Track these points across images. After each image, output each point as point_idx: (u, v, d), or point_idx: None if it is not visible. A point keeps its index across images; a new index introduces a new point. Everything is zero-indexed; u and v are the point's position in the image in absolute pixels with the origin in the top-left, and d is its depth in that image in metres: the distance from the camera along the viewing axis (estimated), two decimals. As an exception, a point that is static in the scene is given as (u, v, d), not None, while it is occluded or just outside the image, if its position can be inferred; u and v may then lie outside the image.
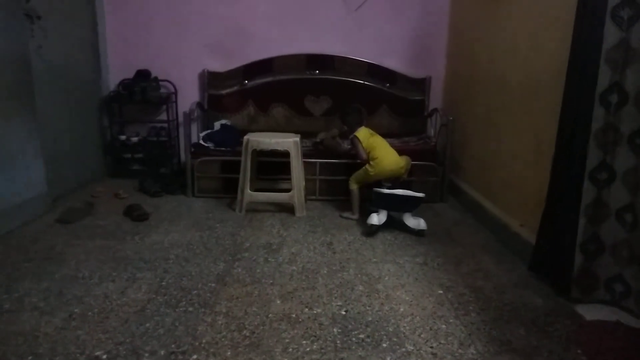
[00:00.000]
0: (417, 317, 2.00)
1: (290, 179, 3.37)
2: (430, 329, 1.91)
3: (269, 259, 2.58)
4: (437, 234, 3.02)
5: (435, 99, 4.41)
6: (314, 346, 1.78)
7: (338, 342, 1.81)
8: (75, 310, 2.00)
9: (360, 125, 3.31)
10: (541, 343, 1.83)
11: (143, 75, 4.21)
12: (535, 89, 2.64)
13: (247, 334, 1.85)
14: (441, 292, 2.24)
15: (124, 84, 4.24)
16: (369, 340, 1.83)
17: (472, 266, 2.54)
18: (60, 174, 3.55)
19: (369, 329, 1.90)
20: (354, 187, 3.28)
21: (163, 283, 2.27)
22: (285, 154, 3.34)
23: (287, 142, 3.31)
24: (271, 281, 2.32)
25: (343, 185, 3.54)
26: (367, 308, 2.08)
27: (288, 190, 3.39)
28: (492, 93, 3.26)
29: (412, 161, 3.42)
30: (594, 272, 2.10)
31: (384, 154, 3.16)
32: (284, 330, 1.88)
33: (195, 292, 2.19)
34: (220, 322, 1.93)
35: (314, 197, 3.74)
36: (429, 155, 3.74)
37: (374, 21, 4.30)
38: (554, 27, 2.44)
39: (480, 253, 2.72)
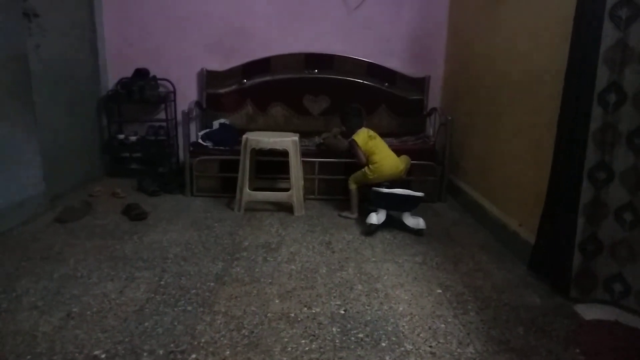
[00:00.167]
0: (416, 317, 2.00)
1: (289, 178, 3.37)
2: (429, 329, 1.92)
3: (268, 258, 2.58)
4: (436, 234, 3.02)
5: (434, 99, 4.42)
6: (313, 345, 1.78)
7: (337, 341, 1.81)
8: (74, 309, 2.00)
9: (360, 126, 3.29)
10: (540, 342, 1.83)
11: (141, 74, 4.20)
12: (534, 89, 2.64)
13: (246, 333, 1.85)
14: (440, 291, 2.25)
15: (123, 82, 4.23)
16: (367, 339, 1.83)
17: (471, 266, 2.55)
18: (58, 173, 3.54)
19: (367, 328, 1.90)
20: (352, 186, 3.28)
21: (162, 282, 2.26)
22: (284, 153, 3.34)
23: (286, 141, 3.31)
24: (270, 280, 2.32)
25: (342, 185, 3.54)
26: (366, 307, 2.08)
27: (287, 190, 3.39)
28: (491, 93, 3.26)
29: (412, 160, 3.42)
30: (592, 272, 2.10)
31: (383, 158, 3.16)
32: (283, 329, 1.88)
33: (194, 291, 2.19)
34: (219, 322, 1.93)
35: (312, 197, 3.74)
36: (428, 154, 3.74)
37: (373, 20, 4.30)
38: (552, 26, 2.44)
39: (479, 252, 2.73)
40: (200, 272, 2.39)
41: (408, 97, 4.35)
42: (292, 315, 2.00)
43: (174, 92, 4.35)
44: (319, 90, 4.33)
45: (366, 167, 3.17)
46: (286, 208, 3.44)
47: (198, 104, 4.26)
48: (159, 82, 4.27)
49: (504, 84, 3.04)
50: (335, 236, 2.96)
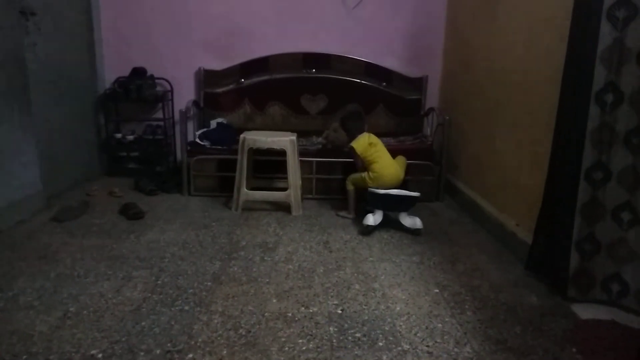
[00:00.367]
0: (413, 316, 2.01)
1: (286, 178, 3.37)
2: (427, 328, 1.92)
3: (265, 258, 2.58)
4: (433, 233, 3.03)
5: (432, 98, 4.42)
6: (310, 345, 1.78)
7: (334, 341, 1.81)
8: (71, 309, 1.99)
9: (360, 131, 3.22)
10: (537, 342, 1.83)
11: (139, 73, 4.19)
12: (531, 88, 2.64)
13: (243, 333, 1.84)
14: (437, 291, 2.25)
15: (120, 81, 4.22)
16: (365, 339, 1.83)
17: (468, 265, 2.55)
18: (55, 172, 3.53)
19: (365, 328, 1.90)
20: (350, 187, 3.27)
21: (159, 282, 2.26)
22: (282, 153, 3.33)
23: (284, 140, 3.31)
24: (267, 280, 2.31)
25: (339, 184, 3.55)
26: (364, 307, 2.08)
27: (284, 189, 3.39)
28: (488, 92, 3.26)
29: (409, 160, 3.42)
30: (590, 272, 2.10)
31: (383, 167, 3.07)
32: (280, 329, 1.88)
33: (191, 290, 2.18)
34: (216, 321, 1.92)
35: (310, 196, 3.74)
36: (426, 154, 3.74)
37: (371, 20, 4.30)
38: (550, 26, 2.45)
39: (476, 252, 2.73)
40: (197, 271, 2.39)
41: (406, 97, 4.35)
42: (290, 314, 1.99)
43: (172, 91, 4.34)
44: (317, 89, 4.32)
45: (366, 175, 3.11)
46: (284, 207, 3.44)
47: (195, 103, 4.25)
48: (157, 81, 4.26)
49: (501, 83, 3.05)
50: (332, 236, 2.96)
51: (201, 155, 3.72)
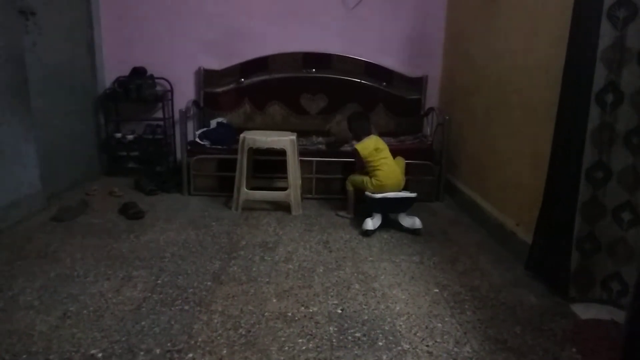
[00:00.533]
0: (413, 316, 2.01)
1: (286, 178, 3.37)
2: (426, 328, 1.92)
3: (265, 258, 2.58)
4: (433, 233, 3.03)
5: (432, 98, 4.41)
6: (310, 345, 1.78)
7: (334, 340, 1.81)
8: (71, 308, 1.99)
9: (366, 132, 3.16)
10: (536, 342, 1.83)
11: (139, 72, 4.19)
12: (531, 88, 2.64)
13: (243, 333, 1.84)
14: (437, 290, 2.25)
15: (120, 81, 4.21)
16: (365, 338, 1.83)
17: (468, 265, 2.55)
18: (55, 171, 3.53)
19: (365, 328, 1.90)
20: (350, 188, 3.27)
21: (159, 281, 2.26)
22: (282, 153, 3.33)
23: (283, 140, 3.31)
24: (267, 280, 2.31)
25: (339, 184, 3.54)
26: (363, 307, 2.08)
27: (284, 189, 3.39)
28: (488, 92, 3.26)
29: (409, 160, 3.41)
30: (590, 271, 2.10)
31: (386, 177, 3.01)
32: (280, 328, 1.88)
33: (191, 290, 2.18)
34: (216, 321, 1.92)
35: (310, 196, 3.73)
36: (426, 154, 3.74)
37: (371, 20, 4.30)
38: (550, 26, 2.45)
39: (476, 252, 2.73)
40: (197, 271, 2.39)
41: (406, 97, 4.35)
42: (289, 314, 1.99)
43: (172, 91, 4.33)
44: (317, 89, 4.32)
45: (368, 181, 3.06)
46: (284, 207, 3.44)
47: (195, 102, 4.25)
48: (157, 80, 4.26)
49: (501, 83, 3.04)
50: (332, 235, 2.96)
51: (201, 155, 3.72)
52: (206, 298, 2.11)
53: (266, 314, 1.99)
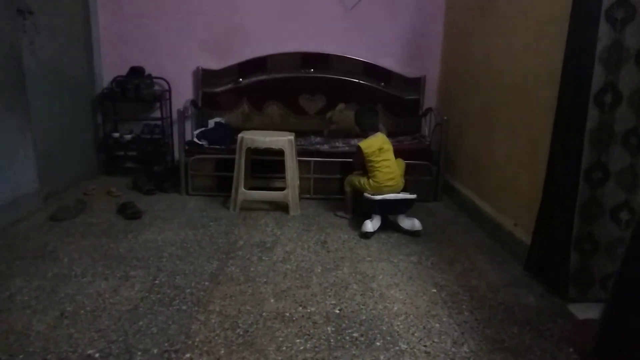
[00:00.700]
0: (411, 316, 2.00)
1: (284, 178, 3.36)
2: (424, 328, 1.92)
3: (263, 258, 2.58)
4: (431, 233, 3.03)
5: (430, 99, 4.42)
6: (308, 345, 1.77)
7: (332, 340, 1.81)
8: (68, 308, 1.98)
9: (374, 128, 3.11)
10: (534, 342, 1.83)
11: (137, 72, 4.18)
12: (529, 89, 2.64)
13: (241, 333, 1.84)
14: (435, 291, 2.25)
15: (117, 81, 4.21)
16: (362, 339, 1.83)
17: (466, 265, 2.55)
18: (52, 171, 3.52)
19: (362, 328, 1.90)
20: (348, 188, 3.26)
21: (156, 281, 2.25)
22: (280, 153, 3.33)
23: (282, 140, 3.30)
24: (265, 280, 2.31)
25: (337, 184, 3.54)
26: (361, 307, 2.07)
27: (282, 189, 3.39)
28: (486, 92, 3.27)
29: (408, 160, 3.40)
30: (589, 271, 2.11)
31: (385, 179, 2.98)
32: (278, 328, 1.88)
33: (188, 290, 2.18)
34: (213, 321, 1.92)
35: (308, 196, 3.73)
36: (424, 154, 3.74)
37: (369, 20, 4.30)
38: (548, 27, 2.45)
39: (474, 252, 2.73)
40: (195, 271, 2.38)
41: (404, 97, 4.35)
42: (287, 314, 1.99)
43: (170, 91, 4.33)
44: (315, 89, 4.32)
45: (366, 182, 3.04)
46: (282, 207, 3.44)
47: (194, 102, 4.25)
48: (155, 80, 4.26)
49: (499, 83, 3.05)
50: (330, 235, 2.95)
51: (199, 155, 3.71)
52: (204, 298, 2.11)
53: (264, 314, 1.99)
